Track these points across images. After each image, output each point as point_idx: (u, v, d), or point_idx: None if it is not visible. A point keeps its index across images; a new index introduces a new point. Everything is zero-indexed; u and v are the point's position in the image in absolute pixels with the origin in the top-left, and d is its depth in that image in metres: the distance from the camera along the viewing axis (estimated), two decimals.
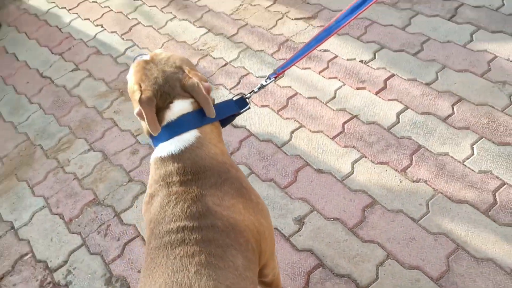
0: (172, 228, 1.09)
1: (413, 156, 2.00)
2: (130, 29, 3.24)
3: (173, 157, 1.16)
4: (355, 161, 2.05)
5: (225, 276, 1.04)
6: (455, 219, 1.76)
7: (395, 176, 1.96)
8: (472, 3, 2.61)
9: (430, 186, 1.89)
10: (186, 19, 3.17)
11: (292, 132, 2.26)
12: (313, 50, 1.46)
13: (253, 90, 1.45)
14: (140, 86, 1.19)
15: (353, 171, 2.02)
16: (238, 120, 2.38)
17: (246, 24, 2.98)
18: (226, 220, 1.12)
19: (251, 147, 2.25)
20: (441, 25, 2.54)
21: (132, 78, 1.25)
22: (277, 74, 1.44)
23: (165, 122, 1.18)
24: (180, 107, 1.18)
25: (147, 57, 1.27)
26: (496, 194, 1.79)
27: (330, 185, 2.00)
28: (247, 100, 1.37)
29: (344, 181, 2.00)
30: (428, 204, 1.83)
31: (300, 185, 2.03)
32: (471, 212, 1.77)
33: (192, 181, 1.14)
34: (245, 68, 2.67)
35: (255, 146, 2.25)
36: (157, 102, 1.17)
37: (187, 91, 1.19)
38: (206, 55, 2.85)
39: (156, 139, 1.21)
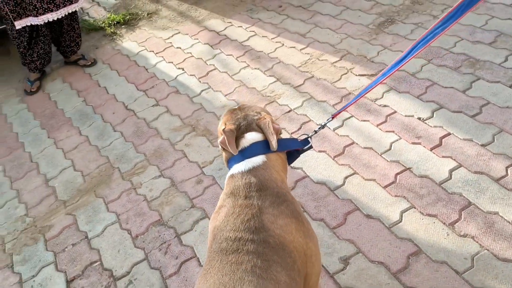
0: (230, 237, 1.28)
1: (463, 212, 2.06)
2: (207, 73, 3.59)
3: (242, 175, 1.41)
4: (404, 210, 2.15)
5: (266, 286, 1.17)
6: (499, 276, 1.79)
7: (443, 229, 2.02)
8: None
9: (477, 242, 1.93)
10: (258, 68, 3.47)
11: (346, 177, 2.40)
12: (368, 91, 1.70)
13: (315, 131, 1.68)
14: (225, 124, 1.52)
15: (401, 219, 2.11)
16: (296, 163, 2.56)
17: (312, 76, 3.21)
18: (277, 239, 1.28)
19: (305, 188, 2.41)
20: (501, 91, 2.63)
21: (221, 120, 1.59)
22: (335, 115, 1.70)
23: (239, 148, 1.46)
24: (252, 137, 1.47)
25: (236, 106, 1.61)
26: None
27: (377, 230, 2.10)
28: (309, 140, 1.60)
29: (392, 228, 2.09)
30: (473, 259, 1.88)
31: (349, 227, 2.15)
32: None
33: (254, 197, 1.36)
34: (307, 116, 2.88)
35: (309, 187, 2.40)
36: (237, 133, 1.48)
37: (260, 127, 1.48)
38: (273, 101, 3.10)
39: (231, 162, 1.47)
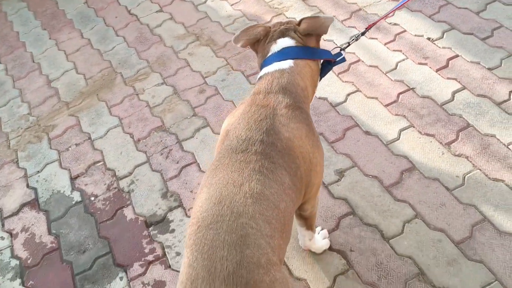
0: (241, 135, 1.31)
1: (460, 133, 2.09)
2: None
3: (267, 76, 1.44)
4: (403, 129, 2.17)
5: (271, 186, 1.23)
6: (487, 194, 1.86)
7: (439, 148, 2.07)
8: None
9: (471, 162, 1.98)
10: None
11: (348, 94, 2.40)
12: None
13: (348, 43, 1.69)
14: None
15: (399, 137, 2.15)
16: None
17: None
18: (285, 143, 1.31)
19: None
20: None
21: None
22: (370, 26, 1.70)
23: (270, 53, 1.49)
24: (284, 42, 1.49)
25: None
26: None
27: (374, 146, 2.14)
28: (342, 52, 1.61)
29: (389, 145, 2.13)
30: (464, 178, 1.94)
31: (347, 142, 2.19)
32: (505, 191, 1.86)
33: (272, 98, 1.37)
34: None
35: (311, 102, 2.41)
36: (269, 39, 1.51)
37: (299, 33, 1.51)
38: (280, 14, 3.01)
39: (263, 66, 1.50)
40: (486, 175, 1.92)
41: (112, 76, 2.89)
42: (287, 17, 2.96)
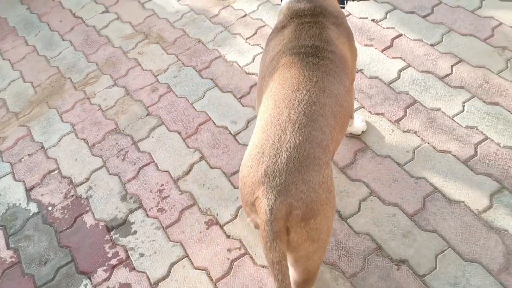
0: (307, 44, 1.47)
1: (408, 110, 2.16)
2: None
3: (304, 1, 1.57)
4: (354, 111, 2.22)
5: (338, 87, 1.42)
6: (436, 166, 1.94)
7: (388, 126, 2.13)
8: None
9: (419, 136, 2.05)
10: None
11: None
12: None
13: None
14: None
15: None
16: (251, 68, 2.56)
17: None
18: (340, 52, 1.51)
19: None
20: None
21: None
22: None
23: None
24: None
25: None
26: (478, 147, 1.95)
27: None
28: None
29: None
30: (414, 152, 2.01)
31: None
32: (452, 161, 1.94)
33: (319, 16, 1.54)
34: (262, 20, 2.83)
35: None
36: None
37: None
38: (228, 6, 3.01)
39: None
40: (434, 148, 2.00)
41: (61, 82, 2.83)
42: (235, 9, 2.96)
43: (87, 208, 2.17)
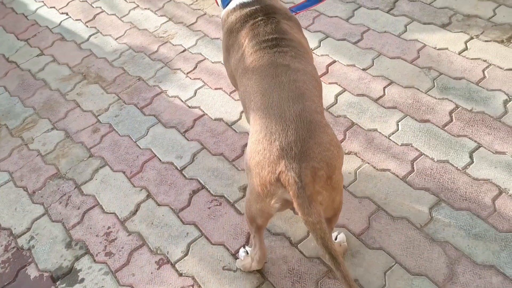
0: (267, 39, 1.62)
1: (347, 132, 2.24)
2: (94, 17, 3.38)
3: (251, 3, 1.73)
4: None
5: (307, 65, 1.59)
6: (377, 184, 2.01)
7: None
8: None
9: (359, 157, 2.13)
10: (148, 8, 3.34)
11: (242, 112, 2.47)
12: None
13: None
14: None
15: None
16: (193, 102, 2.57)
17: (205, 13, 3.17)
18: (297, 39, 1.68)
19: (204, 125, 2.45)
20: (380, 17, 2.80)
21: None
22: (296, 13, 2.04)
23: None
24: None
25: None
26: (414, 163, 2.05)
27: None
28: None
29: None
30: (356, 173, 2.07)
31: None
32: (392, 179, 2.02)
33: (271, 14, 1.70)
34: (201, 54, 2.87)
35: (207, 125, 2.45)
36: None
37: None
38: (166, 42, 3.03)
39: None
40: (374, 167, 2.08)
41: None
42: (173, 45, 2.99)
43: (30, 260, 2.06)
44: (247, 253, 1.83)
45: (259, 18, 1.69)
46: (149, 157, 2.36)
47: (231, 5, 1.78)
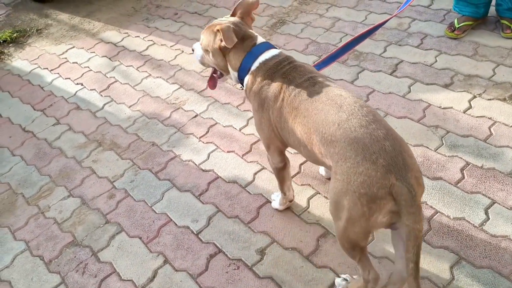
0: (304, 79, 1.73)
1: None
2: (108, 86, 3.53)
3: (273, 57, 1.85)
4: (311, 197, 2.31)
5: (349, 92, 1.70)
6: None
7: None
8: (410, 59, 3.02)
9: None
10: (160, 77, 3.48)
11: (255, 173, 2.51)
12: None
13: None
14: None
15: (309, 205, 2.27)
16: (207, 165, 2.63)
17: None
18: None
19: (218, 188, 2.49)
20: (383, 79, 2.92)
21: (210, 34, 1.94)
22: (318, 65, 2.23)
23: (258, 43, 1.91)
24: (261, 39, 1.94)
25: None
26: (430, 221, 2.06)
27: (288, 218, 2.24)
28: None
29: (301, 215, 2.24)
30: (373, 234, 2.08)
31: (262, 220, 2.27)
32: None
33: (293, 61, 1.84)
34: (213, 119, 2.96)
35: (222, 187, 2.49)
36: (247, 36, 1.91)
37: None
38: (178, 108, 3.14)
39: (248, 60, 1.88)
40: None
41: (12, 199, 2.75)
42: (185, 110, 3.09)
43: None
44: (347, 281, 1.88)
45: (287, 68, 1.80)
46: (165, 221, 2.38)
47: (254, 66, 1.86)
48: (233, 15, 1.99)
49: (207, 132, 2.88)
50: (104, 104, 3.34)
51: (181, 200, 2.48)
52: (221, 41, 1.84)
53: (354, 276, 1.89)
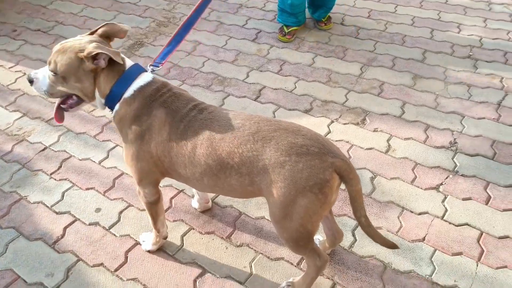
0: (189, 108, 1.67)
1: (236, 223, 2.21)
2: None
3: (149, 84, 1.71)
4: (184, 234, 2.16)
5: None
6: (274, 276, 1.98)
7: (221, 243, 2.12)
8: (272, 85, 3.09)
9: (252, 248, 2.09)
10: None
11: (121, 212, 2.27)
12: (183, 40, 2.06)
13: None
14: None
15: (183, 243, 2.12)
16: (62, 207, 2.30)
17: None
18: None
19: (77, 233, 2.18)
20: (249, 105, 2.93)
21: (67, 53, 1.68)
22: (162, 63, 1.94)
23: (127, 67, 1.72)
24: (129, 61, 1.77)
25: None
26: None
27: (162, 261, 2.05)
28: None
29: (175, 255, 2.08)
30: (251, 266, 2.02)
31: (132, 265, 2.04)
32: (287, 268, 2.01)
33: (172, 88, 1.74)
34: (66, 151, 2.62)
35: (81, 231, 2.19)
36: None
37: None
38: (22, 140, 2.71)
39: (120, 86, 1.68)
40: (268, 257, 2.05)
41: None
42: (31, 143, 2.68)
43: None
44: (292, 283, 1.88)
45: (166, 95, 1.70)
46: (11, 280, 1.99)
47: (128, 93, 1.69)
48: (92, 33, 1.76)
49: (60, 167, 2.53)
50: None
51: (30, 251, 2.10)
52: (93, 60, 1.64)
53: (291, 278, 1.90)
